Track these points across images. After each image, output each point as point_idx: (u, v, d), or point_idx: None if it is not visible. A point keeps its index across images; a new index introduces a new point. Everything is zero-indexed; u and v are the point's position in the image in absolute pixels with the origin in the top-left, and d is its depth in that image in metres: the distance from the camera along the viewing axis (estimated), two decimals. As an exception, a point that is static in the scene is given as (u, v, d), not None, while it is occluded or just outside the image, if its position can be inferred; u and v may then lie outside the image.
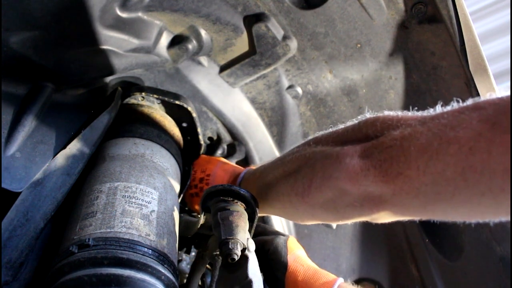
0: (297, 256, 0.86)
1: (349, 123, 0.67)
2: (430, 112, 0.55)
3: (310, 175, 0.63)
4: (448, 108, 0.52)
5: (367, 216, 0.61)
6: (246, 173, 0.90)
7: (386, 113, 0.61)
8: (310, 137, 0.72)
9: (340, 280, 0.81)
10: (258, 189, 0.79)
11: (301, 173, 0.66)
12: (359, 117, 0.65)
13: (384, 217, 0.61)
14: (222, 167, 0.97)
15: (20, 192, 0.67)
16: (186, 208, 1.12)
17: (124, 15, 0.78)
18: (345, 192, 0.58)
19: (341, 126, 0.68)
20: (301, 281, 0.81)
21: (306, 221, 0.72)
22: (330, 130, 0.70)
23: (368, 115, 0.64)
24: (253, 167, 0.89)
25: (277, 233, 0.93)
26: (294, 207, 0.69)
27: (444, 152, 0.46)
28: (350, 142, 0.62)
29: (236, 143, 1.20)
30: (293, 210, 0.70)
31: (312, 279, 0.81)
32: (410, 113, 0.58)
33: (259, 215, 0.80)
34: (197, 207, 0.98)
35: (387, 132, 0.57)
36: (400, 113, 0.59)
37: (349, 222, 0.66)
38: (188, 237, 0.90)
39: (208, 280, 1.05)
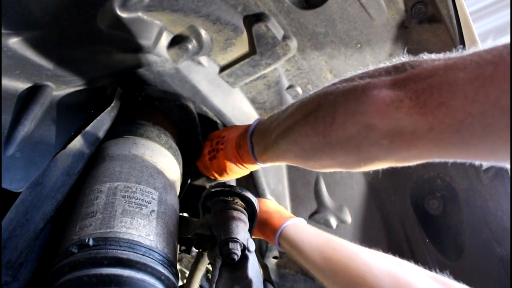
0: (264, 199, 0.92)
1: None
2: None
3: (332, 112, 0.57)
4: None
5: (394, 156, 0.54)
6: (258, 122, 0.84)
7: (428, 55, 0.54)
8: (336, 79, 0.65)
9: (287, 225, 0.84)
10: (273, 134, 0.74)
11: (321, 110, 0.59)
12: (394, 59, 0.58)
13: (413, 157, 0.53)
14: (236, 127, 0.96)
15: (20, 192, 0.67)
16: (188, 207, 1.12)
17: (124, 15, 0.78)
18: (371, 128, 0.51)
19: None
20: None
21: (325, 165, 0.66)
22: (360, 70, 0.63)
23: (405, 58, 0.56)
24: (265, 116, 0.84)
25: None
26: (313, 149, 0.63)
27: (500, 78, 0.40)
28: (379, 76, 0.55)
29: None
30: (312, 152, 0.64)
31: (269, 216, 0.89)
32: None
33: (273, 164, 0.78)
34: (215, 173, 0.97)
35: (426, 63, 0.50)
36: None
37: (372, 166, 0.59)
38: (188, 237, 0.90)
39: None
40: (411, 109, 0.47)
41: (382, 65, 0.58)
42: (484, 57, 0.43)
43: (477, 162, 0.48)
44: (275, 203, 0.97)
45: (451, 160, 0.50)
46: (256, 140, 0.82)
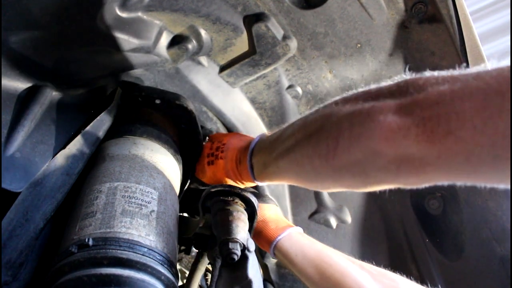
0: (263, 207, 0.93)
1: (384, 83, 0.58)
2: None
3: (336, 135, 0.56)
4: None
5: (402, 181, 0.54)
6: (260, 139, 0.83)
7: (430, 72, 0.53)
8: (337, 97, 0.64)
9: (281, 237, 0.85)
10: (274, 153, 0.73)
11: (325, 133, 0.59)
12: (396, 77, 0.57)
13: (421, 182, 0.53)
14: (238, 136, 0.94)
15: (20, 192, 0.67)
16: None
17: (124, 15, 0.78)
18: (379, 154, 0.51)
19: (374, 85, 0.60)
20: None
21: (328, 186, 0.66)
22: (362, 89, 0.61)
23: (407, 75, 0.55)
24: (268, 133, 0.83)
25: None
26: (316, 171, 0.62)
27: (509, 108, 0.40)
28: (383, 99, 0.54)
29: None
30: (315, 174, 0.63)
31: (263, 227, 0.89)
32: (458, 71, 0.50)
33: (272, 183, 0.78)
34: (210, 179, 0.96)
35: (431, 87, 0.49)
36: (447, 72, 0.51)
37: (378, 188, 0.59)
38: (188, 237, 0.90)
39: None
40: (419, 136, 0.47)
41: (384, 83, 0.58)
42: (491, 84, 0.42)
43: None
44: (272, 211, 0.96)
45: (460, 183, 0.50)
46: (256, 158, 0.81)
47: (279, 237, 0.86)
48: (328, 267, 0.77)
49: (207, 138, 1.10)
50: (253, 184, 0.89)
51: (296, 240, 0.85)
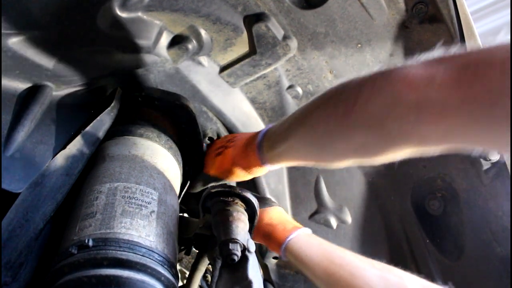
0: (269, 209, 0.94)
1: None
2: None
3: (357, 91, 0.55)
4: None
5: (419, 132, 0.51)
6: (271, 126, 0.82)
7: None
8: None
9: (290, 239, 0.85)
10: (286, 125, 0.72)
11: (345, 93, 0.58)
12: None
13: (438, 135, 0.50)
14: (249, 132, 0.93)
15: (20, 193, 0.67)
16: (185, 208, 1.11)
17: (124, 15, 0.78)
18: (399, 100, 0.50)
19: None
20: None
21: (338, 154, 0.63)
22: None
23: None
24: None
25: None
26: (328, 133, 0.61)
27: None
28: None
29: (236, 143, 1.20)
30: (327, 138, 0.62)
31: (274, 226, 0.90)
32: None
33: (280, 165, 0.78)
34: (217, 171, 0.95)
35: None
36: None
37: (389, 151, 0.56)
38: (188, 238, 0.90)
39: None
40: (444, 82, 0.46)
41: None
42: None
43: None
44: (278, 214, 0.95)
45: (470, 147, 0.49)
46: (266, 138, 0.80)
47: (288, 239, 0.85)
48: (338, 268, 0.76)
49: (207, 138, 1.10)
50: (261, 171, 0.86)
51: (305, 242, 0.85)
